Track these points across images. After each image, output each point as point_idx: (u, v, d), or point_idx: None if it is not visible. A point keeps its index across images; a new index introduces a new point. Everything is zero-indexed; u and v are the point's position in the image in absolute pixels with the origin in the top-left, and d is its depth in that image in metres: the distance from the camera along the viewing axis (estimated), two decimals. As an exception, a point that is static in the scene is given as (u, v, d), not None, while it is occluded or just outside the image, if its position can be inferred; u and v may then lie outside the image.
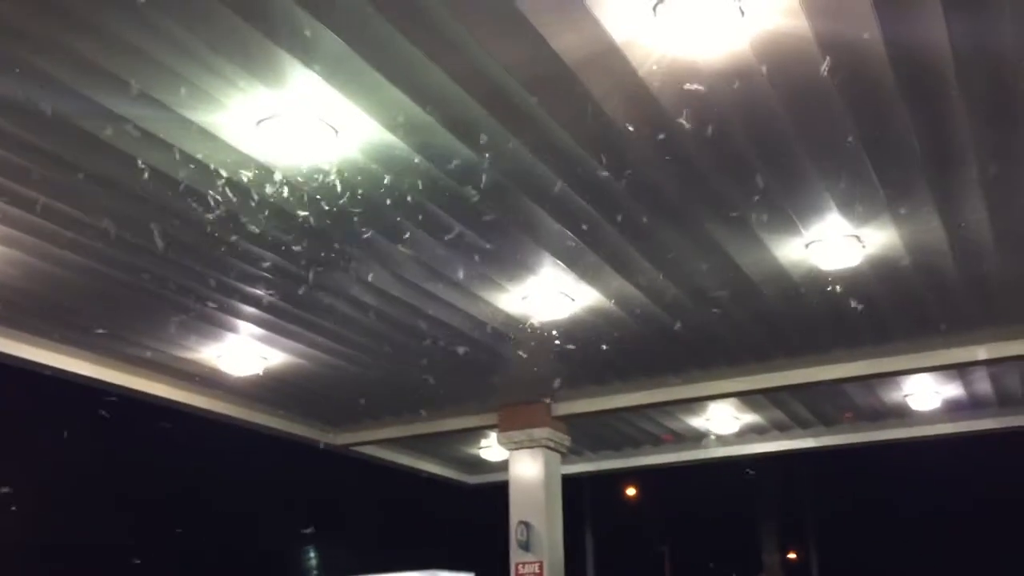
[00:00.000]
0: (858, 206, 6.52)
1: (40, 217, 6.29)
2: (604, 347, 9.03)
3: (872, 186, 6.25)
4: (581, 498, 22.69)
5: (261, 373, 9.47)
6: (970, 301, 8.25)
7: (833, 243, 7.05)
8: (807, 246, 7.11)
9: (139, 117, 5.24)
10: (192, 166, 5.70)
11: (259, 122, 5.31)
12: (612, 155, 5.80)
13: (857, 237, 6.99)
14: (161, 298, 7.62)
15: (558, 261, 7.26)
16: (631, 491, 26.79)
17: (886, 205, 6.53)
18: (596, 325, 8.57)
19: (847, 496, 25.31)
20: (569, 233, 6.75)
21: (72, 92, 5.00)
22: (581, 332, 8.66)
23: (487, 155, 5.69)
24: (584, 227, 6.70)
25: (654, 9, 4.45)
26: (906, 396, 11.21)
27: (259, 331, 8.60)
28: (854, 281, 7.68)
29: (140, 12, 4.44)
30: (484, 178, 5.95)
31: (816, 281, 7.69)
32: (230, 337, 8.73)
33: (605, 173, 5.95)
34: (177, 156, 5.59)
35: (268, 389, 10.27)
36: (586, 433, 12.39)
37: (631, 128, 5.47)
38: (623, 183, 6.07)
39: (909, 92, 5.26)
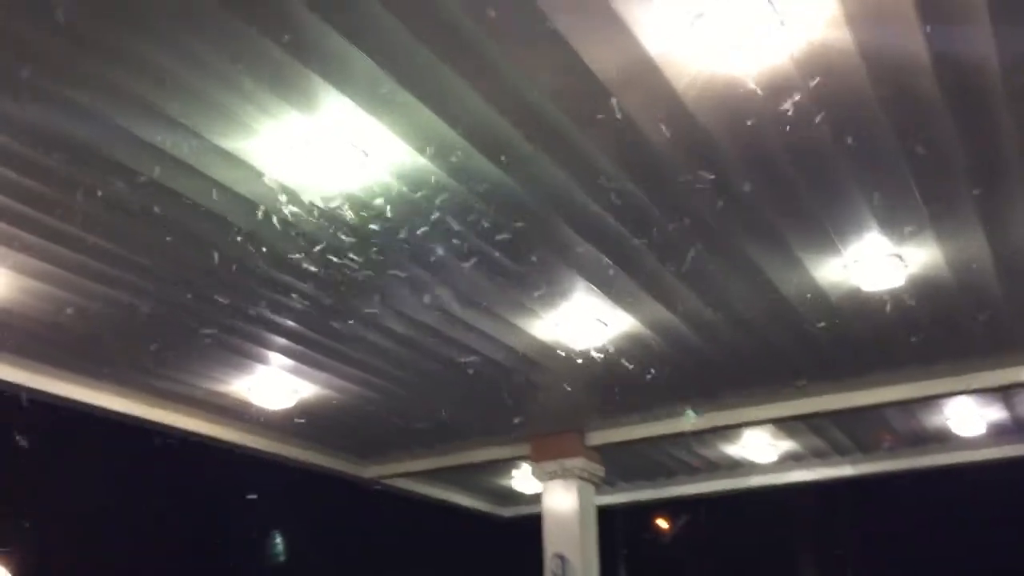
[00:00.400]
0: (900, 224, 6.37)
1: (70, 250, 6.25)
2: (638, 374, 8.86)
3: (915, 202, 6.10)
4: (613, 530, 22.36)
5: (292, 406, 9.38)
6: (1016, 320, 8.03)
7: (874, 263, 6.88)
8: (846, 266, 6.96)
9: (170, 145, 5.19)
10: (223, 194, 5.65)
11: (290, 148, 5.24)
12: (648, 175, 5.68)
13: (899, 256, 6.82)
14: (192, 330, 7.55)
15: (592, 286, 7.13)
16: (663, 522, 26.39)
17: (929, 222, 6.37)
18: (630, 352, 8.41)
19: (886, 526, 24.75)
20: (604, 257, 6.63)
21: (103, 121, 4.96)
22: (615, 359, 8.49)
23: (521, 178, 5.60)
24: (619, 250, 6.57)
25: (692, 23, 4.36)
26: (948, 420, 10.94)
27: (290, 362, 8.51)
28: (895, 302, 7.49)
29: (171, 38, 4.40)
30: (518, 201, 5.86)
31: (856, 302, 7.51)
32: (261, 369, 8.64)
33: (641, 194, 5.84)
34: (207, 184, 5.55)
35: (298, 422, 10.16)
36: (618, 463, 12.17)
37: (667, 146, 5.36)
38: (659, 203, 5.95)
39: (954, 105, 5.11)
